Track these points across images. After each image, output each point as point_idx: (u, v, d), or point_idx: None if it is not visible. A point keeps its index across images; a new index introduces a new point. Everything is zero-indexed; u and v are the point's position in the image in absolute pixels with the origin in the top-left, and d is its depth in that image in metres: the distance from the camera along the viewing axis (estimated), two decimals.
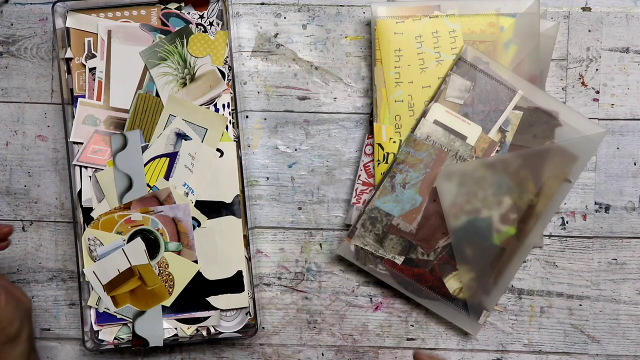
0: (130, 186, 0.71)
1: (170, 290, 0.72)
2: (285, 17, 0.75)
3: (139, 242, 0.71)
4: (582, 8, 0.74)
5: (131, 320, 0.72)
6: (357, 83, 0.75)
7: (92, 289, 0.71)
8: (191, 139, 0.71)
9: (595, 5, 0.74)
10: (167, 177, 0.71)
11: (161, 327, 0.71)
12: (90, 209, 0.71)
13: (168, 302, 0.72)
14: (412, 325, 0.76)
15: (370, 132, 0.73)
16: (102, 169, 0.71)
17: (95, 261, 0.71)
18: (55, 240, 0.76)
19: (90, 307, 0.72)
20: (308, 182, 0.76)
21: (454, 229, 0.71)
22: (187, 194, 0.71)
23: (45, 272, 0.76)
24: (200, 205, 0.71)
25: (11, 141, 0.76)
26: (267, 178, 0.76)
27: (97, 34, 0.71)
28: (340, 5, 0.75)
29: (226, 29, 0.72)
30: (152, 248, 0.71)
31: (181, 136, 0.71)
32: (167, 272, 0.71)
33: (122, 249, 0.71)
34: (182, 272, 0.71)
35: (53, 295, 0.77)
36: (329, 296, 0.76)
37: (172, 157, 0.71)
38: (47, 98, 0.76)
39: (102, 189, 0.71)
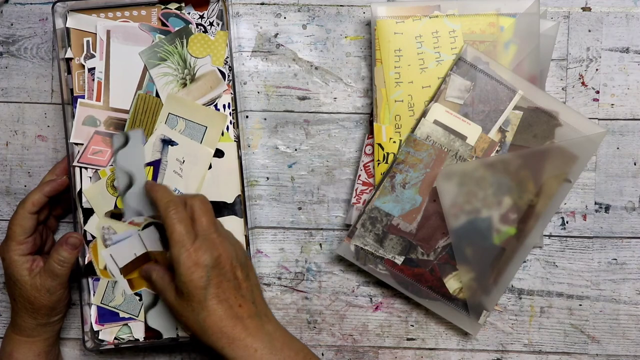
0: (130, 185, 0.71)
1: None
2: (285, 17, 0.75)
3: (152, 229, 0.71)
4: (582, 8, 0.74)
5: (134, 318, 0.71)
6: (357, 83, 0.75)
7: (99, 281, 0.71)
8: (177, 144, 0.70)
9: (595, 5, 0.74)
10: None
11: (173, 318, 0.71)
12: (91, 209, 0.71)
13: None
14: (412, 325, 0.76)
15: (370, 132, 0.73)
16: (102, 168, 0.71)
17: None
18: (56, 241, 0.76)
19: (90, 305, 0.72)
20: (308, 182, 0.76)
21: (454, 229, 0.71)
22: None
23: None
24: None
25: (11, 141, 0.76)
26: (267, 178, 0.76)
27: (96, 34, 0.71)
28: (340, 5, 0.75)
29: (226, 29, 0.72)
30: (162, 241, 0.71)
31: (167, 142, 0.71)
32: None
33: (139, 234, 0.71)
34: None
35: None
36: (329, 296, 0.76)
37: (156, 165, 0.71)
38: (47, 98, 0.76)
39: (90, 204, 0.71)
